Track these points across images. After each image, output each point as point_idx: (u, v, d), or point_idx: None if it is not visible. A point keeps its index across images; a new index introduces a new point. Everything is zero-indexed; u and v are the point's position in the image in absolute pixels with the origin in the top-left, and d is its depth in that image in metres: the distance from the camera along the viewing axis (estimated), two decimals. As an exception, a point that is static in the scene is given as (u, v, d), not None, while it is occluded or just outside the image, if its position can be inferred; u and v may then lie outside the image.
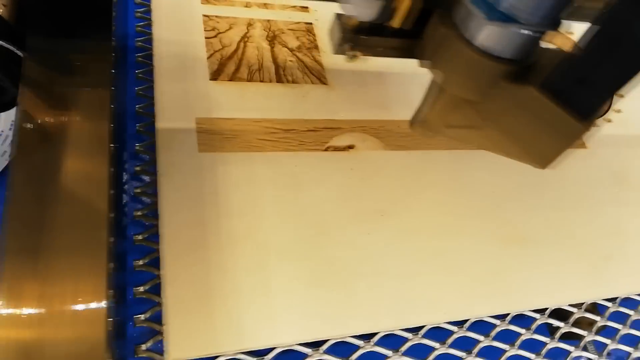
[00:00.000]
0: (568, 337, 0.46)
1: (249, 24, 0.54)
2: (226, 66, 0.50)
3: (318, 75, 0.53)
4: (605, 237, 0.51)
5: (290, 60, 0.53)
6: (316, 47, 0.55)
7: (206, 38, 0.51)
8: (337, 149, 0.48)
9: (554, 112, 0.32)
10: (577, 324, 0.47)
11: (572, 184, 0.54)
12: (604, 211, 0.53)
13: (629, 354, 0.47)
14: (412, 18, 0.35)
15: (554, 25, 0.30)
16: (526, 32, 0.30)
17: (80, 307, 0.27)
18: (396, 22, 0.35)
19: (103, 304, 0.27)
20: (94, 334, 0.27)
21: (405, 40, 0.37)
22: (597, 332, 0.47)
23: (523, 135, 0.36)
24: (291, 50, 0.54)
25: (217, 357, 0.36)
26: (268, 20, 0.55)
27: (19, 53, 0.39)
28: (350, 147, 0.48)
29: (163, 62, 0.48)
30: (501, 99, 0.34)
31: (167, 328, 0.35)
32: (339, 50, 0.37)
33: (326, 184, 0.45)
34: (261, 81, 0.50)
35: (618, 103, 0.64)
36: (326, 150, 0.48)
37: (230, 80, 0.49)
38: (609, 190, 0.55)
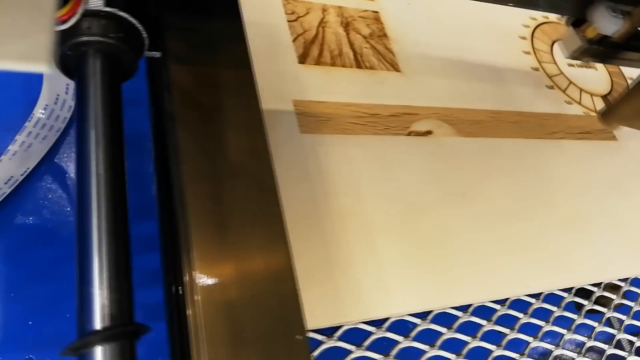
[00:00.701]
0: (592, 313, 0.52)
1: (324, 10, 0.56)
2: (311, 50, 0.52)
3: (391, 62, 0.55)
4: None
5: (365, 47, 0.55)
6: (385, 35, 0.57)
7: (288, 21, 0.53)
8: (418, 133, 0.51)
9: None
10: (598, 302, 0.53)
11: (610, 174, 0.59)
12: (635, 198, 0.59)
13: None
14: (627, 35, 0.44)
15: None
16: None
17: (270, 270, 0.29)
18: (619, 37, 0.44)
19: (289, 267, 0.29)
20: (286, 291, 0.29)
21: (624, 50, 0.47)
22: (615, 309, 0.53)
23: None
24: (364, 37, 0.56)
25: (340, 326, 0.39)
26: (340, 7, 0.57)
27: (140, 27, 0.39)
28: (429, 132, 0.52)
29: (253, 43, 0.49)
30: None
31: (300, 299, 0.37)
32: (573, 56, 0.46)
33: (412, 166, 0.48)
34: (343, 66, 0.52)
35: None
36: (409, 134, 0.50)
37: (316, 64, 0.51)
38: (638, 178, 0.61)
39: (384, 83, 0.53)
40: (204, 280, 0.27)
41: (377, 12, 0.59)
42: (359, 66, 0.53)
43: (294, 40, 0.51)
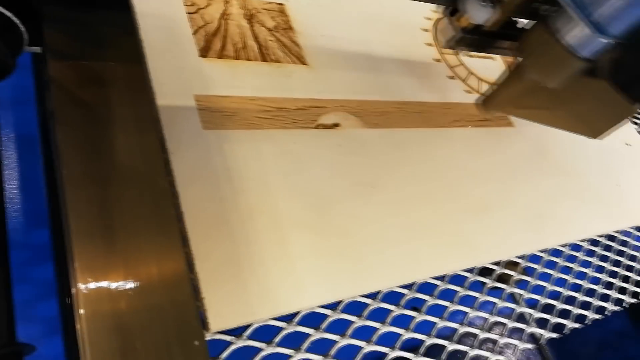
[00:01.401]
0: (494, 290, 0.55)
1: (226, 2, 0.54)
2: (212, 43, 0.50)
3: (297, 55, 0.55)
4: (535, 199, 0.61)
5: (270, 40, 0.54)
6: (291, 28, 0.57)
7: (188, 13, 0.51)
8: (325, 126, 0.51)
9: (616, 98, 0.42)
10: (499, 279, 0.56)
11: (507, 158, 0.63)
12: (534, 180, 0.63)
13: (538, 301, 0.57)
14: (500, 24, 0.45)
15: (622, 37, 0.39)
16: (606, 41, 0.39)
17: (164, 276, 0.28)
18: (490, 26, 0.45)
19: (184, 271, 0.29)
20: (181, 296, 0.28)
21: (497, 39, 0.48)
22: (516, 285, 0.57)
23: (586, 114, 0.47)
24: (269, 30, 0.55)
25: (250, 325, 0.38)
26: (243, -1, 0.56)
27: (17, 21, 0.36)
28: (336, 125, 0.52)
29: (150, 36, 0.47)
30: (575, 88, 0.44)
31: (205, 301, 0.36)
32: (448, 45, 0.47)
33: (321, 159, 0.49)
34: (247, 59, 0.51)
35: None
36: (316, 127, 0.51)
37: (219, 58, 0.49)
38: (534, 162, 0.65)
39: (290, 76, 0.53)
40: (87, 292, 0.25)
41: (282, 4, 0.58)
42: (264, 59, 0.52)
43: (195, 33, 0.50)
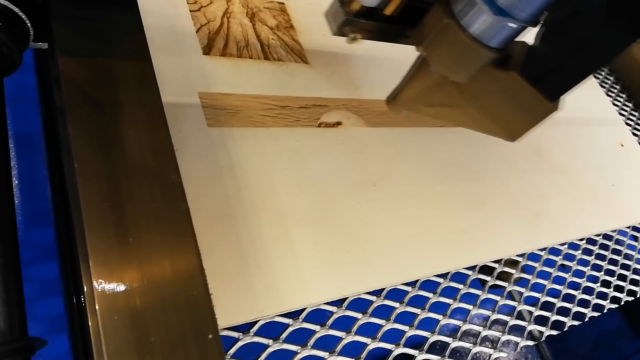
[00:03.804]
0: (495, 288, 0.56)
1: (228, 0, 0.54)
2: (215, 41, 0.50)
3: (299, 54, 0.55)
4: (532, 199, 0.62)
5: (272, 39, 0.54)
6: (292, 26, 0.57)
7: (191, 11, 0.51)
8: (327, 125, 0.51)
9: (530, 93, 0.38)
10: (500, 277, 0.57)
11: (505, 157, 0.64)
12: (529, 178, 0.64)
13: (538, 299, 0.58)
14: (401, 8, 0.40)
15: (535, 23, 0.36)
16: (515, 26, 0.35)
17: (178, 270, 0.28)
18: (389, 10, 0.40)
19: (198, 265, 0.29)
20: (195, 291, 0.28)
21: (401, 26, 0.42)
22: (515, 283, 0.57)
23: (499, 114, 0.42)
24: (271, 28, 0.55)
25: (256, 321, 0.38)
26: (245, -3, 0.56)
27: (23, 16, 0.36)
28: (338, 123, 0.52)
29: (153, 34, 0.47)
30: (485, 82, 0.40)
31: (212, 297, 0.36)
32: (339, 31, 0.40)
33: (324, 157, 0.49)
34: (250, 57, 0.51)
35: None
36: (319, 126, 0.51)
37: (222, 56, 0.49)
38: (530, 161, 0.66)
39: (292, 75, 0.53)
40: (103, 287, 0.25)
41: (282, 3, 0.59)
42: (266, 58, 0.52)
43: (198, 30, 0.50)
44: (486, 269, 0.55)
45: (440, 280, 0.49)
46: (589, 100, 0.84)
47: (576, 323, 0.57)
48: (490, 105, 0.42)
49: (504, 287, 0.55)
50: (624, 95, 0.94)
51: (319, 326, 0.40)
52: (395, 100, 0.46)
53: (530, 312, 0.56)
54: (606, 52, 0.37)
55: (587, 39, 0.36)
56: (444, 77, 0.41)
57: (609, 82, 0.94)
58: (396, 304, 0.45)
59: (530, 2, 0.34)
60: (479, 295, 0.52)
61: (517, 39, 0.38)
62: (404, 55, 0.61)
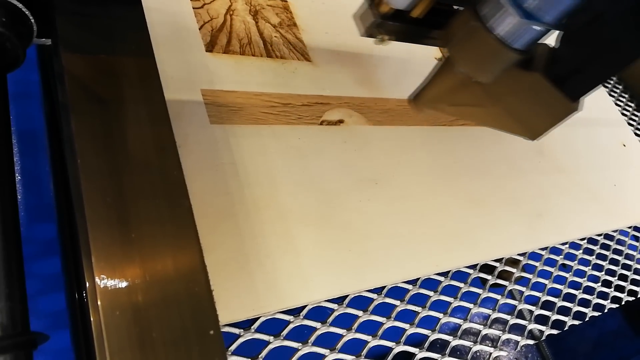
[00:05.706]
0: (495, 287, 0.56)
1: (231, -3, 0.54)
2: (218, 38, 0.50)
3: (302, 52, 0.55)
4: (534, 198, 0.62)
5: (275, 37, 0.54)
6: (295, 24, 0.57)
7: (194, 8, 0.51)
8: (329, 123, 0.51)
9: (552, 94, 0.39)
10: (500, 276, 0.57)
11: (506, 156, 0.64)
12: (531, 177, 0.64)
13: (539, 298, 0.58)
14: (427, 10, 0.40)
15: (559, 26, 0.37)
16: (540, 29, 0.36)
17: (179, 266, 0.28)
18: (416, 12, 0.40)
19: (200, 261, 0.29)
20: (196, 287, 0.28)
21: (427, 28, 0.42)
22: (516, 282, 0.57)
23: (521, 113, 0.43)
24: (274, 26, 0.55)
25: (257, 318, 0.38)
26: (248, -5, 0.56)
27: (27, 12, 0.36)
28: (340, 121, 0.52)
29: (156, 31, 0.47)
30: (508, 82, 0.40)
31: (214, 294, 0.36)
32: (368, 33, 0.41)
33: (326, 155, 0.49)
34: (253, 55, 0.51)
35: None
36: (321, 124, 0.51)
37: (224, 53, 0.49)
38: (532, 160, 0.66)
39: (295, 73, 0.53)
40: (105, 283, 0.25)
41: (285, 1, 0.59)
42: (269, 55, 0.52)
43: (200, 28, 0.50)
44: (487, 268, 0.55)
45: (441, 278, 0.49)
46: (591, 100, 0.84)
47: (577, 322, 0.57)
48: (512, 104, 0.43)
49: (505, 286, 0.55)
50: (626, 96, 0.94)
51: (319, 323, 0.40)
52: (418, 99, 0.47)
53: (531, 311, 0.56)
54: (629, 55, 0.37)
55: (611, 42, 0.37)
56: (468, 77, 0.41)
57: (612, 82, 0.94)
58: (397, 302, 0.45)
59: (555, 6, 0.35)
60: (480, 294, 0.52)
61: (540, 41, 0.39)
62: (407, 54, 0.61)
